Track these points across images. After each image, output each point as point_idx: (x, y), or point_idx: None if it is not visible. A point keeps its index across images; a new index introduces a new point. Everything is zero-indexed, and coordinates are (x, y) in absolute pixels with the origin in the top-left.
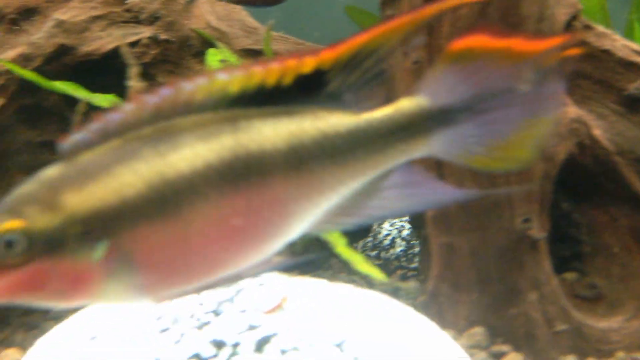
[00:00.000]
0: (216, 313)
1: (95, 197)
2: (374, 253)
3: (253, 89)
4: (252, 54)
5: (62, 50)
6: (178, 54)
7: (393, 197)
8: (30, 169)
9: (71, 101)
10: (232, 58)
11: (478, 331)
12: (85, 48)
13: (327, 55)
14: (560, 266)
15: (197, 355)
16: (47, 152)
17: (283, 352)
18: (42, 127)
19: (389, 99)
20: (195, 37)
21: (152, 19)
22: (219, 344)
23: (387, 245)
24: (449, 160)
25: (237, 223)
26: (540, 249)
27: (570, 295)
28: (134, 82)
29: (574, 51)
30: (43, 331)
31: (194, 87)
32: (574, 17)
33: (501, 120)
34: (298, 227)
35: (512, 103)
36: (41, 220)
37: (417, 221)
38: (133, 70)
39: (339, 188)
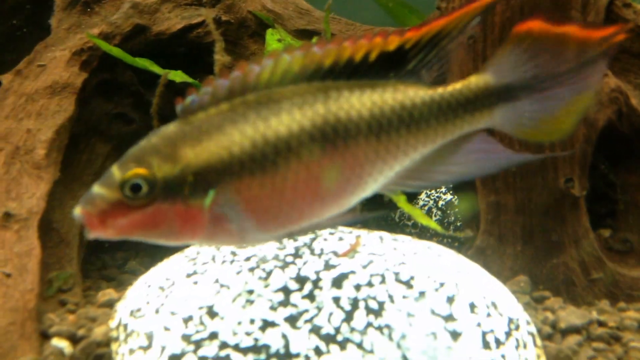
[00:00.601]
0: (296, 256)
1: (208, 152)
2: (410, 222)
3: (343, 62)
4: (306, 34)
5: (138, 30)
6: (236, 34)
7: (457, 162)
8: (107, 137)
9: (142, 77)
10: (288, 37)
11: (522, 279)
12: (156, 28)
13: (411, 36)
14: (597, 222)
15: (284, 288)
16: (120, 123)
17: (357, 287)
18: (116, 100)
19: (444, 73)
20: (251, 18)
21: (214, 2)
22: (302, 280)
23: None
24: (505, 132)
25: (323, 180)
26: (580, 206)
27: (604, 249)
28: (219, 56)
29: (622, 37)
30: (120, 283)
31: (291, 58)
32: None
33: (553, 98)
34: (372, 186)
35: (563, 83)
36: (162, 169)
37: (459, 184)
38: (219, 45)
39: (411, 153)
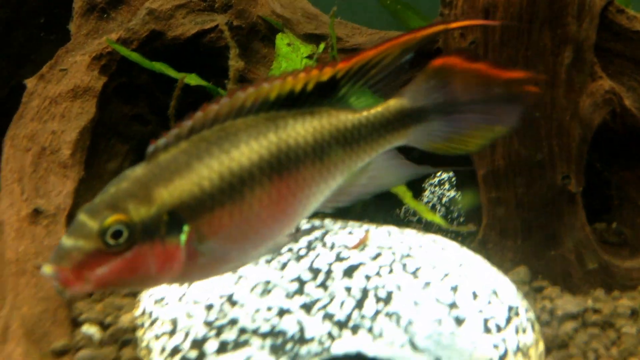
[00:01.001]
0: (309, 249)
1: (180, 189)
2: (415, 218)
3: (285, 94)
4: (314, 38)
5: (154, 35)
6: (247, 38)
7: (374, 177)
8: (125, 138)
9: (158, 80)
10: (297, 42)
11: (521, 270)
12: (171, 33)
13: (341, 67)
14: (592, 217)
15: (298, 279)
16: (137, 124)
17: (367, 277)
18: (134, 103)
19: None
20: (261, 23)
21: (225, 8)
22: (315, 271)
23: (431, 206)
24: (418, 147)
25: (280, 203)
26: (577, 202)
27: (599, 241)
28: (234, 62)
29: (533, 89)
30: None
31: (245, 95)
32: (610, 3)
33: (461, 121)
34: (315, 205)
35: (470, 110)
36: (139, 212)
37: (462, 182)
38: (233, 52)
39: (346, 172)
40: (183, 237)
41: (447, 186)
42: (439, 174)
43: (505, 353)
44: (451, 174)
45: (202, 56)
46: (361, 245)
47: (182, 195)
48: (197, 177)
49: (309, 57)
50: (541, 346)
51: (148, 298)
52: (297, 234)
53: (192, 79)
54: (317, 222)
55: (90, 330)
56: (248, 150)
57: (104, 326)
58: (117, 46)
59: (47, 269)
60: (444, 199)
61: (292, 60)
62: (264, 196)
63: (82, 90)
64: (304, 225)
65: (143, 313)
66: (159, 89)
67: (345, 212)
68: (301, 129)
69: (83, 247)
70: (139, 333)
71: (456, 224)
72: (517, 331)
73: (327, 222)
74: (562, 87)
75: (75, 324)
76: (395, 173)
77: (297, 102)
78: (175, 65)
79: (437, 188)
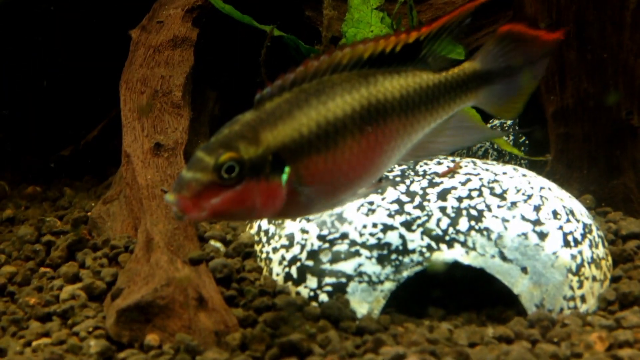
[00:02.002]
0: (403, 177)
1: (283, 134)
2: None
3: (377, 54)
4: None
5: None
6: None
7: (450, 135)
8: (213, 84)
9: (240, 32)
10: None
11: (587, 197)
12: None
13: (425, 30)
14: None
15: (397, 201)
16: (223, 72)
17: (459, 199)
18: (218, 52)
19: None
20: None
21: None
22: (412, 194)
23: (481, 155)
24: (482, 108)
25: (369, 152)
26: (638, 135)
27: None
28: (327, 11)
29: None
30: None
31: (342, 53)
32: None
33: (514, 83)
34: (398, 157)
35: (523, 72)
36: (248, 152)
37: (528, 120)
38: (327, 1)
39: (426, 127)
40: (284, 177)
41: (499, 130)
42: (492, 120)
43: (582, 263)
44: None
45: (278, 9)
46: (451, 173)
47: (285, 139)
48: (298, 124)
49: (379, 8)
50: (610, 259)
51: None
52: (382, 184)
53: (275, 31)
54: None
55: (217, 244)
56: (342, 102)
57: (225, 242)
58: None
59: (170, 197)
60: (496, 145)
61: (362, 12)
62: (354, 145)
63: (180, 40)
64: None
65: (259, 231)
66: (240, 40)
67: None
68: (389, 86)
69: (200, 179)
70: (257, 247)
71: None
72: (590, 245)
73: None
74: (627, 29)
75: (202, 239)
76: (469, 134)
77: (386, 62)
78: (256, 16)
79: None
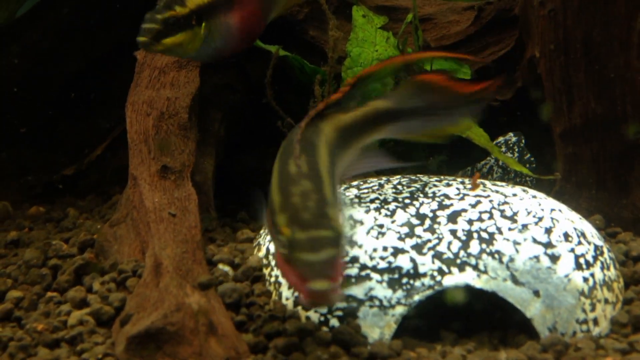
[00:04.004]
0: (413, 199)
1: None
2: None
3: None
4: (385, 10)
5: None
6: (322, 11)
7: (366, 161)
8: (218, 105)
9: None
10: (370, 13)
11: (596, 217)
12: None
13: (348, 85)
14: None
15: (407, 223)
16: (228, 92)
17: (470, 221)
18: (223, 72)
19: (526, 41)
20: None
21: None
22: (422, 217)
23: (486, 172)
24: (397, 138)
25: None
26: None
27: None
28: (333, 32)
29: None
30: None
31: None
32: None
33: (432, 121)
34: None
35: (438, 114)
36: None
37: (535, 140)
38: (332, 23)
39: (352, 153)
40: None
41: (503, 149)
42: (498, 138)
43: (594, 285)
44: (508, 137)
45: (282, 29)
46: (476, 184)
47: None
48: None
49: (382, 28)
50: (621, 281)
51: (269, 242)
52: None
53: (280, 50)
54: (413, 177)
55: (225, 268)
56: None
57: (234, 265)
58: None
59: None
60: (501, 162)
61: (367, 31)
62: None
63: (185, 61)
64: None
65: (267, 254)
66: (244, 59)
67: (423, 169)
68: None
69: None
70: (266, 270)
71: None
72: (602, 267)
73: (421, 176)
74: (635, 49)
75: (210, 263)
76: (374, 162)
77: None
78: (260, 37)
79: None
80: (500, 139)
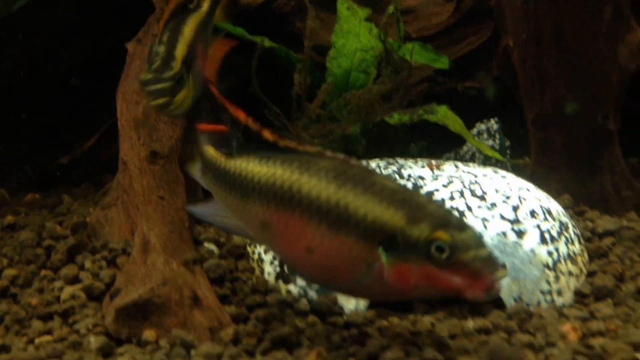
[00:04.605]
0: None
1: None
2: (448, 164)
3: None
4: (369, 3)
5: (231, 3)
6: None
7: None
8: (204, 95)
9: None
10: (355, 6)
11: (566, 197)
12: (244, 1)
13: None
14: (627, 152)
15: None
16: (218, 84)
17: (442, 200)
18: None
19: (501, 32)
20: None
21: None
22: None
23: (468, 159)
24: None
25: None
26: (614, 138)
27: (632, 173)
28: (311, 22)
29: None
30: None
31: None
32: None
33: None
34: None
35: None
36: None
37: (512, 126)
38: (311, 14)
39: None
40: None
41: (485, 136)
42: (478, 125)
43: (558, 259)
44: (490, 124)
45: (270, 21)
46: (434, 167)
47: None
48: None
49: (366, 19)
50: (586, 255)
51: None
52: None
53: (266, 41)
54: (391, 160)
55: (211, 246)
56: None
57: (219, 244)
58: None
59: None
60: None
61: (351, 23)
62: None
63: None
64: (382, 163)
65: None
66: (233, 51)
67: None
68: None
69: None
70: (250, 248)
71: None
72: (567, 242)
73: (398, 159)
74: (602, 38)
75: (197, 242)
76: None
77: None
78: (248, 29)
79: (477, 137)
80: (483, 126)
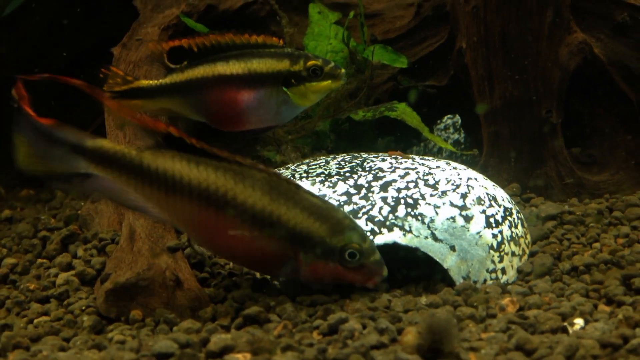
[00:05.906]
0: (352, 172)
1: None
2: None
3: None
4: (340, 7)
5: (209, 8)
6: (282, 8)
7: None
8: None
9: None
10: (326, 10)
11: (514, 185)
12: (222, 6)
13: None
14: (569, 143)
15: (346, 193)
16: None
17: (398, 190)
18: None
19: (456, 34)
20: None
21: None
22: (359, 187)
23: (435, 151)
24: None
25: None
26: (557, 131)
27: (574, 162)
28: (287, 29)
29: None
30: None
31: None
32: None
33: None
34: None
35: None
36: None
37: (468, 121)
38: (285, 20)
39: None
40: None
41: (451, 130)
42: (444, 119)
43: (502, 241)
44: (455, 119)
45: (246, 25)
46: (395, 155)
47: None
48: None
49: (337, 22)
50: (528, 237)
51: None
52: None
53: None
54: (355, 154)
55: None
56: None
57: None
58: (186, 19)
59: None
60: (449, 141)
61: (322, 26)
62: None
63: (157, 56)
64: (347, 157)
65: None
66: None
67: (371, 149)
68: None
69: None
70: None
71: (462, 149)
72: (510, 226)
73: (362, 153)
74: (545, 39)
75: (178, 231)
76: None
77: None
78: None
79: (442, 132)
80: (449, 121)
